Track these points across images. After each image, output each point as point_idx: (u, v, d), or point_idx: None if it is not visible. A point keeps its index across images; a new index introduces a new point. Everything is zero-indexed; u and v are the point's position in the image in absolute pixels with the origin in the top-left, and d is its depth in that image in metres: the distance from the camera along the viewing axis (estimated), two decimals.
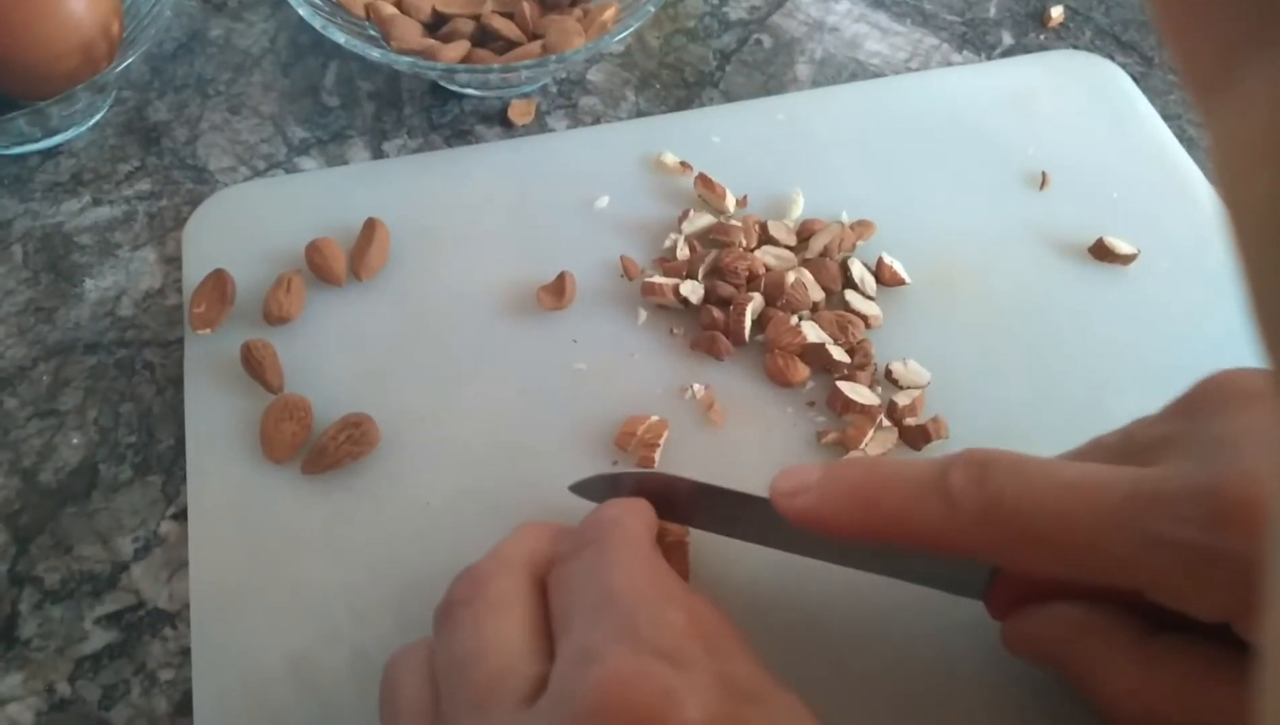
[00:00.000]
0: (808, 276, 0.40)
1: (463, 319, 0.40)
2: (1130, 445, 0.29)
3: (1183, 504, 0.25)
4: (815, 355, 0.38)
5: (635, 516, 0.30)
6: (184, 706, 0.33)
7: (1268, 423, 0.26)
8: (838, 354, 0.38)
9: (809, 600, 0.33)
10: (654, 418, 0.37)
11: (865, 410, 0.37)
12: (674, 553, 0.33)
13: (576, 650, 0.25)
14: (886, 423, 0.37)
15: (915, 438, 0.36)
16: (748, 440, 0.37)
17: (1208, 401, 0.28)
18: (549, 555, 0.30)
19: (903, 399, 0.37)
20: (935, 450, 0.36)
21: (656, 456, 0.36)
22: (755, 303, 0.39)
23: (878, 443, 0.36)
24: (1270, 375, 0.15)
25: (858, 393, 0.37)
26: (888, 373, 0.38)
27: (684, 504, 0.33)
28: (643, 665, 0.24)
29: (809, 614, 0.33)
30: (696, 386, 0.38)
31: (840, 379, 0.37)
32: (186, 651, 0.34)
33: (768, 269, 0.40)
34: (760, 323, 0.39)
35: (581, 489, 0.34)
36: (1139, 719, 0.28)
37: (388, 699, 0.29)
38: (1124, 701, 0.28)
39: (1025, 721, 0.31)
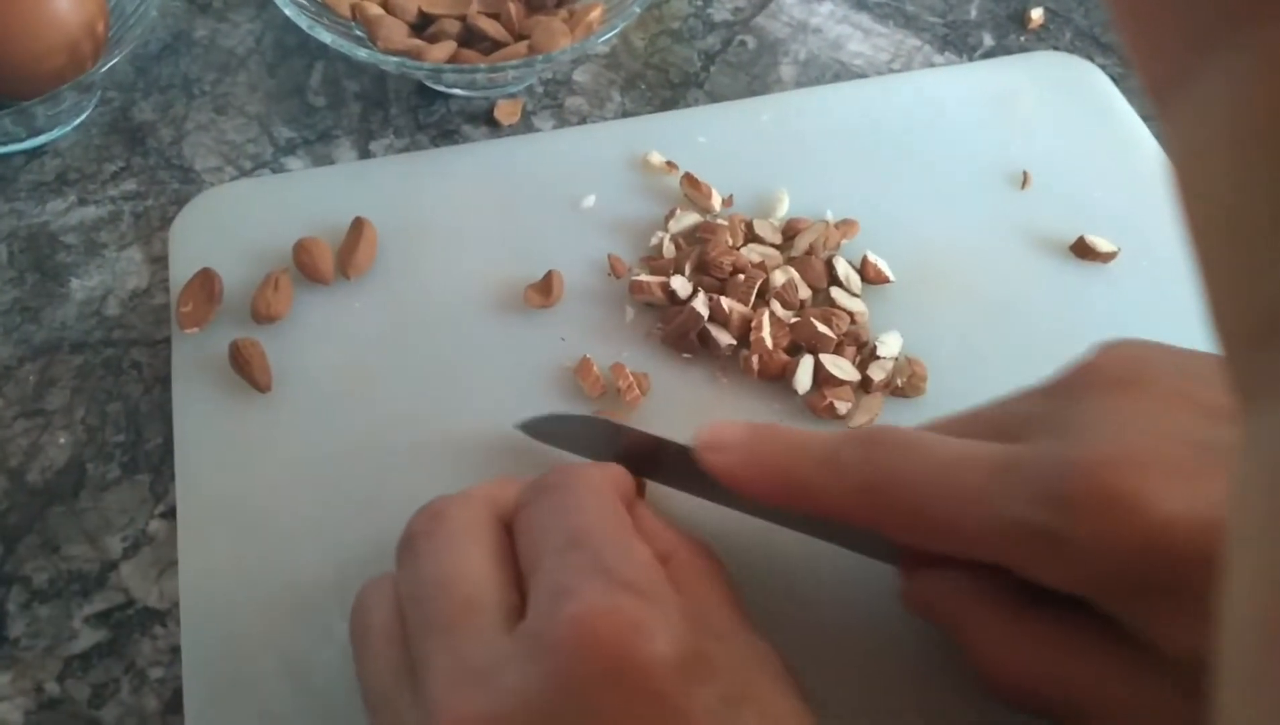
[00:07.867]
0: (796, 276, 0.40)
1: (450, 317, 0.40)
2: (1006, 419, 0.29)
3: (1034, 486, 0.26)
4: (803, 330, 0.39)
5: (602, 470, 0.31)
6: (174, 704, 0.33)
7: (1134, 408, 0.27)
8: (823, 328, 0.38)
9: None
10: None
11: (843, 383, 0.38)
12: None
13: (550, 587, 0.26)
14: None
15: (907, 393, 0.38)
16: None
17: (1082, 380, 0.29)
18: (513, 501, 0.30)
19: (877, 373, 0.38)
20: (917, 405, 0.38)
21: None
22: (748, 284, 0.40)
23: (863, 411, 0.38)
24: (1224, 372, 0.15)
25: (838, 367, 0.38)
26: (873, 352, 0.39)
27: (632, 454, 0.33)
28: (614, 600, 0.25)
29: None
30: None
31: (824, 354, 0.38)
32: (176, 649, 0.34)
33: (753, 264, 0.40)
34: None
35: (532, 427, 0.36)
36: (1009, 689, 0.28)
37: (358, 628, 0.29)
38: (996, 670, 0.28)
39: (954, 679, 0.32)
